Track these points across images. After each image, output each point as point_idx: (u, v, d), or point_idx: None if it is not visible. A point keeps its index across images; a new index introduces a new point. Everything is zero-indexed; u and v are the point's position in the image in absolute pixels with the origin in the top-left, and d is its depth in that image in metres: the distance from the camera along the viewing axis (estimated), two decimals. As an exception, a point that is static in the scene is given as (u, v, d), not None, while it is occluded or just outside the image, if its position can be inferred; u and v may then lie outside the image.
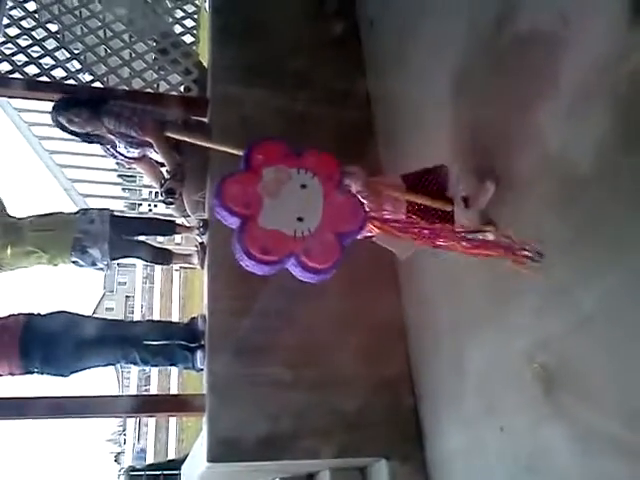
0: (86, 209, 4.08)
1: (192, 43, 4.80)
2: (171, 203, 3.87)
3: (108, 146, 3.81)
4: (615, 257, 1.97)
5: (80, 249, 3.63)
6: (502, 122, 2.63)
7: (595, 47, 2.08)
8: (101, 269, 3.83)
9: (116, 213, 4.12)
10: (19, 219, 3.68)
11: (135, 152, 3.80)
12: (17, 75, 4.09)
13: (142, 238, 4.07)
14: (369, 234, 2.21)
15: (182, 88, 4.48)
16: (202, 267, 3.70)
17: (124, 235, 3.83)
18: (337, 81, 3.98)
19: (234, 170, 1.98)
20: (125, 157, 3.89)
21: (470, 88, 2.93)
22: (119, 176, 6.67)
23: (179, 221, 4.50)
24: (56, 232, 3.64)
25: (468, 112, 2.93)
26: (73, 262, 3.70)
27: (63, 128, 3.79)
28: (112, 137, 3.71)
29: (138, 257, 4.22)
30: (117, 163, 5.73)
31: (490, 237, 2.50)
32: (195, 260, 3.85)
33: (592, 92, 2.10)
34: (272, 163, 1.93)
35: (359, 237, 2.13)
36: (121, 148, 3.78)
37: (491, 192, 2.60)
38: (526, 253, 2.19)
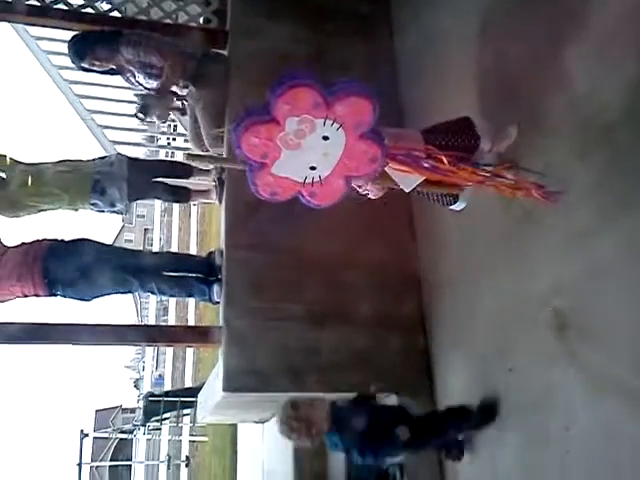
0: (104, 156, 4.08)
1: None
2: (141, 120, 3.90)
3: (128, 75, 3.78)
4: (636, 204, 1.95)
5: (99, 190, 3.66)
6: (530, 64, 2.55)
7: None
8: (120, 212, 3.87)
9: (134, 157, 4.13)
10: (40, 163, 3.72)
11: (153, 83, 3.76)
12: (34, 2, 4.01)
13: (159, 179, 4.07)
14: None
15: (201, 20, 4.38)
16: (220, 203, 3.71)
17: (143, 178, 3.84)
18: (360, 15, 3.87)
19: (255, 108, 1.92)
20: (144, 88, 3.86)
21: (498, 28, 2.84)
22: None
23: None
24: (75, 174, 3.67)
25: (495, 53, 2.85)
26: (92, 204, 3.74)
27: (89, 70, 3.79)
28: (131, 68, 3.67)
29: (156, 197, 4.24)
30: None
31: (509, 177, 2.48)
32: (213, 196, 3.86)
33: (623, 36, 2.02)
34: (298, 114, 1.86)
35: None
36: (140, 79, 3.75)
37: (513, 137, 2.55)
38: (543, 194, 2.19)
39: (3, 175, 3.61)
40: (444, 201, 2.57)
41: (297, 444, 2.41)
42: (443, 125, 2.53)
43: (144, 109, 3.73)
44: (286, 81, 1.82)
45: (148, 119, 3.97)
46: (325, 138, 1.93)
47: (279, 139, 1.90)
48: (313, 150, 1.96)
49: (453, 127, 2.51)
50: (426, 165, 2.21)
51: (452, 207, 2.62)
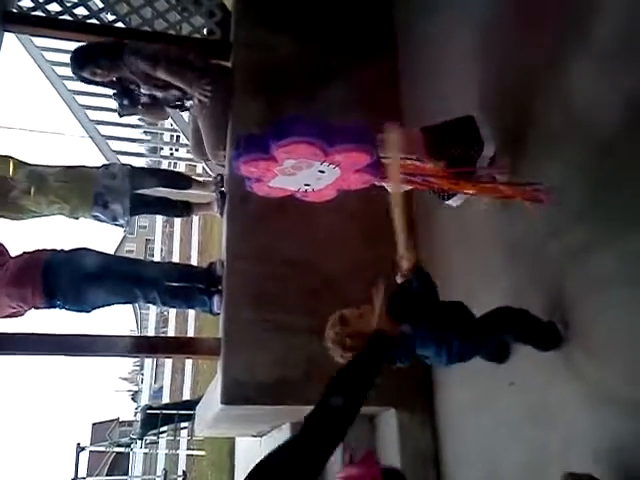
0: (108, 164, 4.08)
1: (216, -16, 4.68)
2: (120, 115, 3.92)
3: (133, 87, 3.77)
4: (635, 220, 1.94)
5: (102, 204, 3.66)
6: (529, 73, 2.55)
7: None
8: (121, 225, 3.86)
9: (135, 166, 4.12)
10: (44, 167, 3.72)
11: (159, 94, 3.78)
12: (39, 13, 4.05)
13: (161, 194, 4.08)
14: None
15: (205, 31, 4.41)
16: (221, 215, 3.71)
17: (143, 188, 3.85)
18: (363, 30, 3.88)
19: (254, 141, 1.99)
20: (148, 98, 3.87)
21: (498, 37, 2.83)
22: (141, 119, 6.62)
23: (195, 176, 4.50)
24: (78, 185, 3.67)
25: (494, 61, 2.85)
26: (94, 216, 3.74)
27: (89, 82, 3.80)
28: (136, 78, 3.67)
29: (158, 213, 4.24)
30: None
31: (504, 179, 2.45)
32: (215, 208, 3.85)
33: (625, 50, 2.02)
34: (297, 159, 1.95)
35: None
36: (144, 89, 3.76)
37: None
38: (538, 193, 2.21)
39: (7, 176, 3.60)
40: (440, 195, 2.54)
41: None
42: (446, 125, 2.46)
43: (123, 105, 3.78)
44: (287, 131, 1.91)
45: (126, 114, 4.00)
46: (321, 172, 2.07)
47: (276, 170, 2.05)
48: (308, 177, 2.12)
49: (455, 128, 2.43)
50: (420, 180, 2.25)
51: (448, 202, 2.58)
